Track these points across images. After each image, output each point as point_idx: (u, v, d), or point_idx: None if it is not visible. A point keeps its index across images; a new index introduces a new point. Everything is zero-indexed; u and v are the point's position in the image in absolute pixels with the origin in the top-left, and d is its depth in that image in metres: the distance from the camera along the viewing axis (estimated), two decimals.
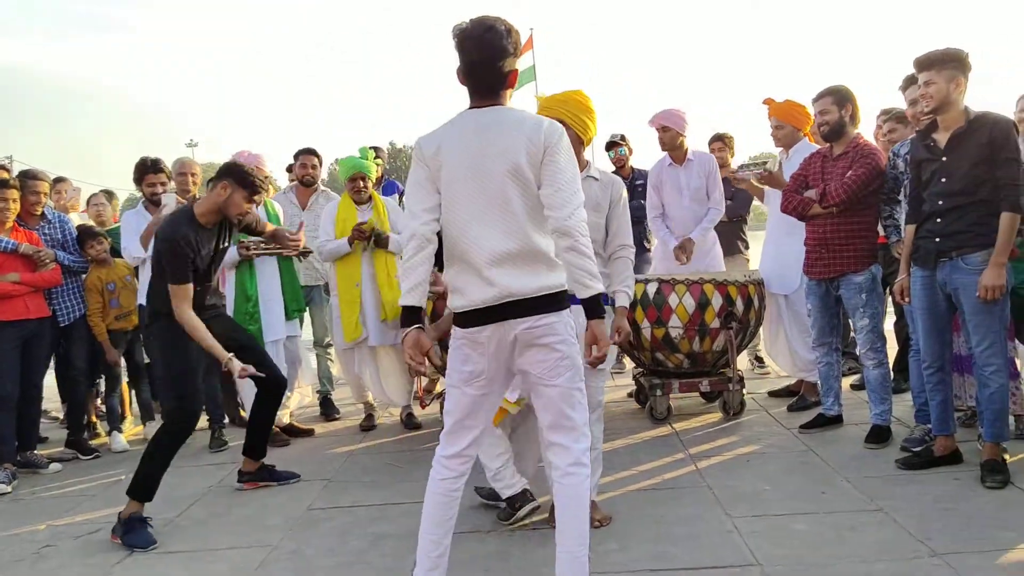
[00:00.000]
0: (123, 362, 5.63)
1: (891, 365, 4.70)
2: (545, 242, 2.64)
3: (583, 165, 3.44)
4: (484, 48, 2.62)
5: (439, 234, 2.73)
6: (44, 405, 5.53)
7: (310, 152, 6.03)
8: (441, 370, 3.56)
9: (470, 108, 2.71)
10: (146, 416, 5.73)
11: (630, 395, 5.84)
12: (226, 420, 5.66)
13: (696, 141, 5.90)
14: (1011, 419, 4.03)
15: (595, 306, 2.63)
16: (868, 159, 4.33)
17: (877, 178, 4.33)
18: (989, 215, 3.58)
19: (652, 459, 4.37)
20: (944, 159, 3.69)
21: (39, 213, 5.21)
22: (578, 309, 2.71)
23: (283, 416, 5.46)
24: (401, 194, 6.30)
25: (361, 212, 5.26)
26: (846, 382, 5.43)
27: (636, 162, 6.96)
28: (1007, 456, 3.77)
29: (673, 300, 4.89)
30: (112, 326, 5.39)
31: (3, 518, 4.22)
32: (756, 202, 6.07)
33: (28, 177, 5.21)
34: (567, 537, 2.68)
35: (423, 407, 5.26)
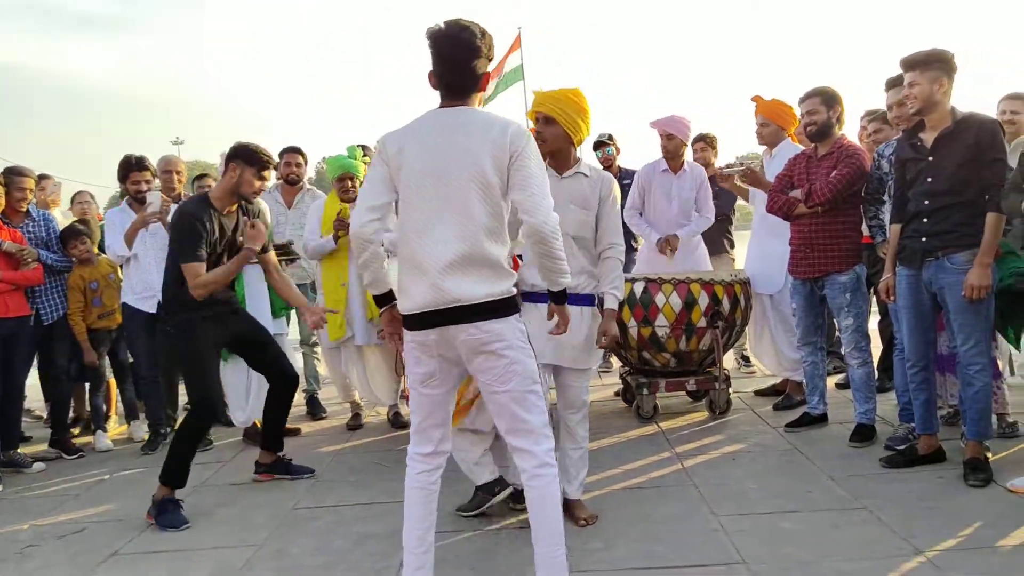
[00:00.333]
0: (107, 361, 5.59)
1: (875, 364, 4.74)
2: (497, 249, 2.63)
3: (573, 162, 3.44)
4: (458, 47, 2.63)
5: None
6: (28, 404, 5.50)
7: (294, 151, 6.01)
8: None
9: (439, 108, 2.70)
10: (130, 415, 5.69)
11: (617, 394, 5.85)
12: None
13: None
14: (994, 418, 4.07)
15: (561, 294, 2.80)
16: (853, 159, 4.35)
17: (861, 178, 4.36)
18: (975, 215, 3.60)
19: (639, 458, 4.38)
20: (930, 159, 3.71)
21: (24, 210, 5.16)
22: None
23: None
24: None
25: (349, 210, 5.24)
26: (831, 381, 5.46)
27: (624, 162, 6.97)
28: (990, 455, 3.80)
29: (660, 299, 4.90)
30: (95, 325, 5.35)
31: None
32: (742, 202, 6.10)
33: (14, 173, 5.15)
34: (542, 538, 2.70)
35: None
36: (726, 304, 4.96)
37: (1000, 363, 4.33)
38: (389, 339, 2.92)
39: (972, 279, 3.56)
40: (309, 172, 6.39)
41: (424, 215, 2.63)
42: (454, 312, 2.60)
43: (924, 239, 3.73)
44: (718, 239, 6.41)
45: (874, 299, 5.01)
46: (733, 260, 6.63)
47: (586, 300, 3.40)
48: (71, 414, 5.84)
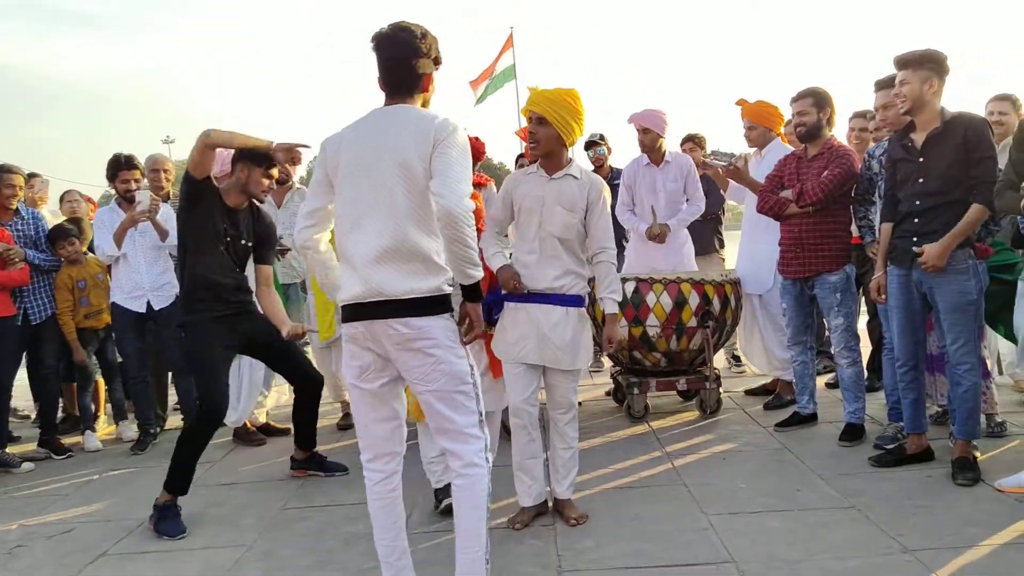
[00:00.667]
0: (95, 361, 5.57)
1: (865, 364, 4.75)
2: (428, 243, 2.59)
3: (564, 163, 3.44)
4: (397, 46, 2.64)
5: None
6: (15, 403, 5.47)
7: None
8: None
9: (378, 108, 2.72)
10: (119, 416, 5.66)
11: (608, 393, 5.86)
12: None
13: (671, 141, 5.92)
14: (982, 418, 4.09)
15: (474, 292, 2.67)
16: (843, 160, 4.37)
17: (852, 179, 4.37)
18: (965, 215, 3.62)
19: (629, 457, 4.39)
20: (921, 160, 3.73)
21: (14, 208, 5.14)
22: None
23: (259, 415, 5.44)
24: None
25: None
26: (821, 381, 5.48)
27: (620, 162, 6.98)
28: (978, 454, 3.82)
29: (651, 299, 4.90)
30: (82, 324, 5.33)
31: None
32: (733, 202, 6.10)
33: (3, 171, 5.12)
34: (463, 537, 2.67)
35: None
36: (716, 304, 4.97)
37: (989, 362, 4.35)
38: None
39: (930, 256, 3.60)
40: (300, 171, 6.36)
41: (354, 209, 2.62)
42: (378, 306, 2.57)
43: (915, 239, 3.74)
44: (708, 239, 6.43)
45: (863, 299, 5.03)
46: (723, 260, 6.64)
47: (572, 301, 3.39)
48: (60, 414, 5.82)
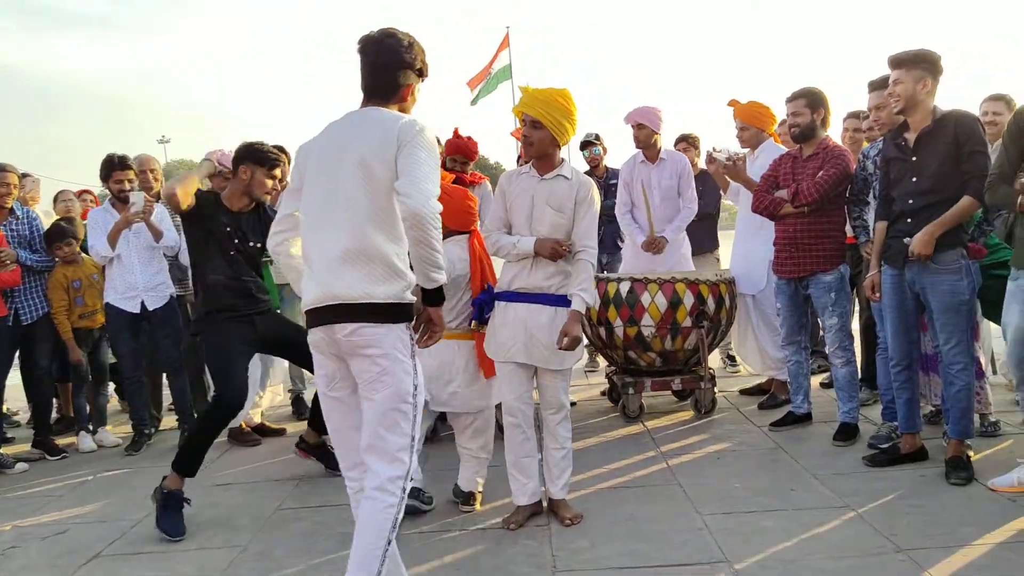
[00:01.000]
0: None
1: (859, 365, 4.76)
2: (387, 247, 2.51)
3: (556, 164, 3.44)
4: (382, 52, 2.62)
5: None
6: (7, 406, 5.46)
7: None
8: None
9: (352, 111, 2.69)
10: (100, 421, 5.59)
11: (603, 393, 5.86)
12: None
13: (668, 141, 5.92)
14: (976, 417, 4.10)
15: (435, 296, 2.58)
16: (839, 160, 4.38)
17: (847, 179, 4.38)
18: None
19: (624, 457, 4.39)
20: (914, 159, 3.74)
21: (8, 207, 5.12)
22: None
23: (254, 416, 5.43)
24: None
25: None
26: (815, 380, 5.49)
27: (617, 162, 6.99)
28: (971, 453, 3.83)
29: (645, 299, 4.91)
30: (77, 324, 5.32)
31: None
32: (728, 202, 6.11)
33: None
34: (352, 557, 2.51)
35: None
36: (711, 304, 4.97)
37: (983, 361, 4.36)
38: None
39: (915, 244, 3.62)
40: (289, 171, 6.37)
41: (316, 211, 2.59)
42: (334, 310, 2.51)
43: (906, 240, 3.75)
44: (703, 238, 6.43)
45: (856, 299, 5.04)
46: (718, 260, 6.65)
47: (562, 301, 3.39)
48: (55, 414, 5.81)
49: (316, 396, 4.38)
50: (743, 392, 5.68)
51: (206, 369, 5.36)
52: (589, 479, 4.05)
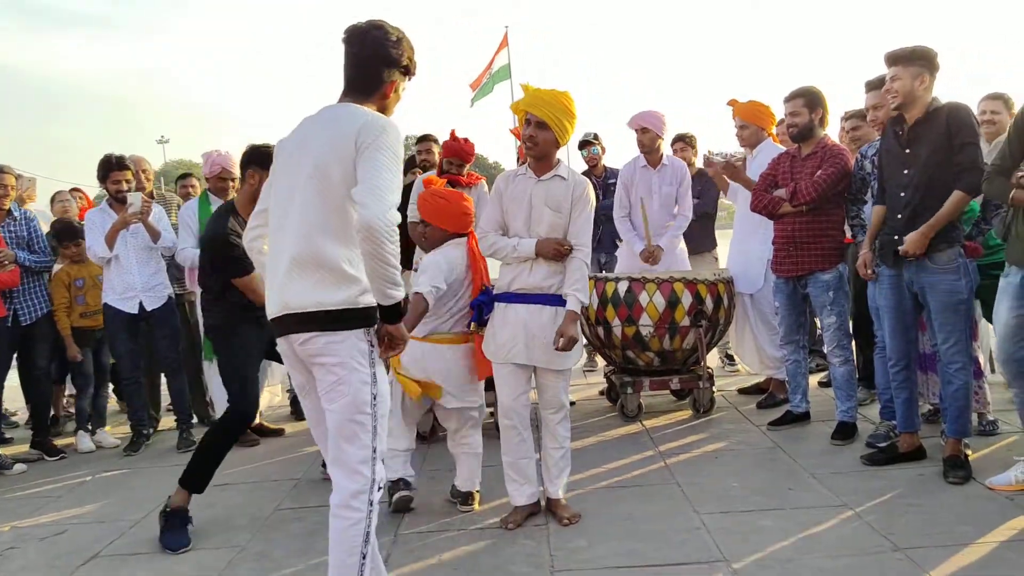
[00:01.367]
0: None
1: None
2: (338, 252, 2.40)
3: (553, 164, 3.44)
4: (366, 44, 2.51)
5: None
6: (5, 406, 5.46)
7: None
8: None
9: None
10: (99, 422, 5.59)
11: (601, 393, 5.86)
12: (195, 420, 5.62)
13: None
14: (974, 416, 4.10)
15: (393, 313, 2.44)
16: (837, 159, 4.38)
17: (845, 178, 4.38)
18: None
19: (622, 457, 4.39)
20: (907, 151, 3.74)
21: (6, 208, 5.12)
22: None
23: None
24: None
25: None
26: (814, 379, 5.49)
27: (617, 162, 7.00)
28: (969, 452, 3.83)
29: (643, 298, 4.91)
30: (78, 324, 5.32)
31: None
32: (727, 201, 6.12)
33: None
34: (331, 568, 2.48)
35: None
36: (709, 303, 4.98)
37: (982, 360, 4.36)
38: None
39: (908, 244, 3.62)
40: None
41: (275, 214, 2.53)
42: (289, 319, 2.44)
43: (897, 237, 3.76)
44: (701, 238, 6.44)
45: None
46: (716, 259, 6.65)
47: (561, 301, 3.39)
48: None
49: None
50: (741, 391, 5.69)
51: (204, 369, 5.38)
52: (587, 479, 4.05)
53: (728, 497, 3.69)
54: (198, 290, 5.29)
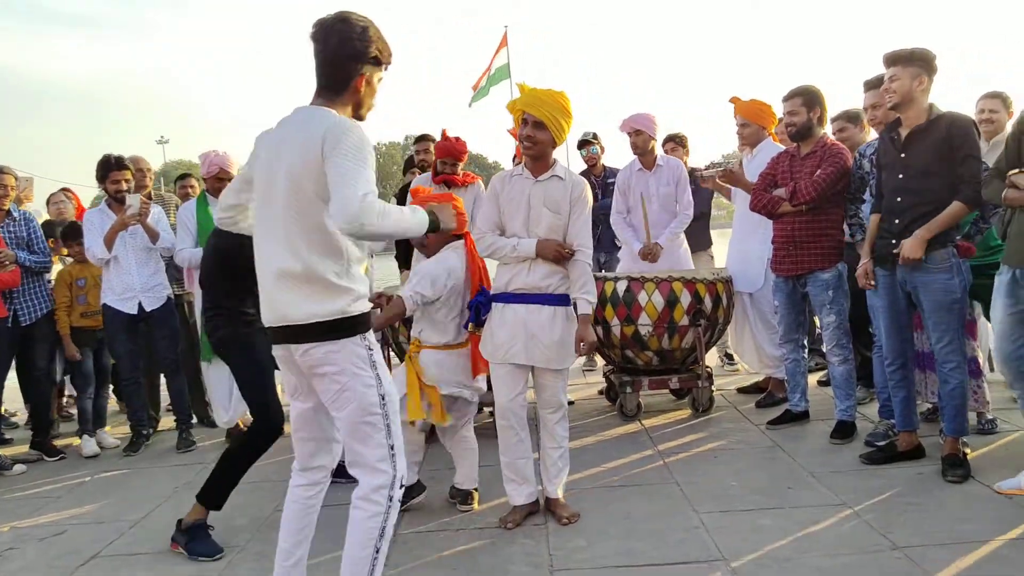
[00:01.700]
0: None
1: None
2: (324, 266, 2.41)
3: (550, 165, 3.44)
4: (331, 39, 2.45)
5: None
6: (5, 406, 5.46)
7: None
8: None
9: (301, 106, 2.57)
10: (98, 423, 5.57)
11: (601, 392, 5.86)
12: (194, 420, 5.62)
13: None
14: (973, 415, 4.10)
15: (432, 227, 2.57)
16: (836, 158, 4.38)
17: (845, 177, 4.38)
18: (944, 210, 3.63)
19: (621, 456, 4.39)
20: (903, 155, 3.75)
21: (5, 208, 5.12)
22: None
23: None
24: None
25: None
26: (813, 378, 5.49)
27: (617, 161, 6.99)
28: (968, 451, 3.84)
29: (642, 298, 4.91)
30: (77, 323, 5.33)
31: None
32: (726, 200, 6.12)
33: None
34: (342, 565, 2.54)
35: None
36: (708, 302, 4.98)
37: (981, 359, 4.36)
38: None
39: (905, 249, 3.62)
40: None
41: (260, 225, 2.54)
42: (285, 331, 2.47)
43: (894, 241, 3.77)
44: (697, 237, 6.43)
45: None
46: (712, 258, 6.65)
47: (560, 300, 3.39)
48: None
49: None
50: (741, 390, 5.69)
51: (203, 370, 5.37)
52: (586, 478, 4.06)
53: (727, 496, 3.69)
54: (197, 291, 5.31)
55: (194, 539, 3.49)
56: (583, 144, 6.91)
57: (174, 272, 5.58)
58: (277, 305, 2.47)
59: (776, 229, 4.62)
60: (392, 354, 5.08)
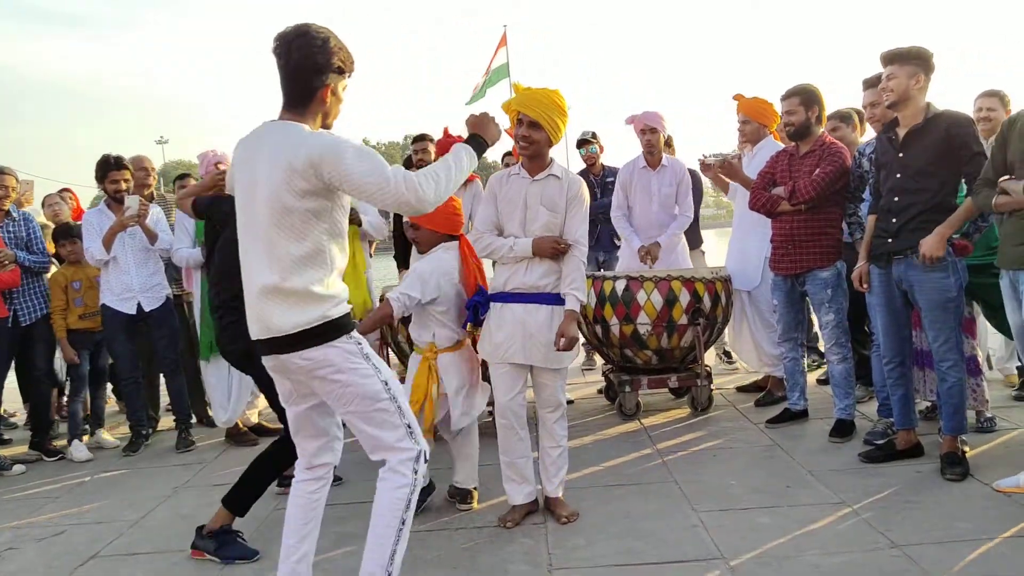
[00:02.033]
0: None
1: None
2: (305, 277, 2.47)
3: (546, 164, 3.44)
4: (292, 54, 2.48)
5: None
6: (4, 406, 5.46)
7: None
8: None
9: (270, 120, 2.59)
10: (97, 423, 5.59)
11: (600, 391, 5.87)
12: (193, 420, 5.62)
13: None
14: (972, 414, 4.10)
15: (479, 146, 2.75)
16: (835, 157, 4.38)
17: (844, 175, 4.38)
18: (941, 212, 3.64)
19: (620, 455, 4.40)
20: (900, 155, 3.75)
21: (5, 209, 5.12)
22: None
23: (251, 416, 5.44)
24: None
25: None
26: (812, 377, 5.49)
27: (616, 160, 7.00)
28: (967, 449, 3.84)
29: (641, 297, 4.91)
30: (76, 325, 5.32)
31: None
32: (726, 199, 6.12)
33: None
34: (369, 540, 2.62)
35: None
36: (707, 301, 4.98)
37: (980, 358, 4.36)
38: None
39: (925, 247, 3.61)
40: None
41: (242, 239, 2.58)
42: (275, 342, 2.52)
43: (890, 240, 3.77)
44: (690, 235, 6.42)
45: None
46: (703, 253, 6.66)
47: (557, 300, 3.39)
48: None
49: None
50: (740, 389, 5.69)
51: (202, 369, 5.37)
52: (585, 477, 4.06)
53: (726, 495, 3.69)
54: (196, 291, 5.31)
55: (224, 544, 3.43)
56: (582, 143, 6.91)
57: (173, 272, 5.58)
58: (262, 317, 2.52)
59: (775, 228, 4.62)
60: (392, 354, 5.07)
